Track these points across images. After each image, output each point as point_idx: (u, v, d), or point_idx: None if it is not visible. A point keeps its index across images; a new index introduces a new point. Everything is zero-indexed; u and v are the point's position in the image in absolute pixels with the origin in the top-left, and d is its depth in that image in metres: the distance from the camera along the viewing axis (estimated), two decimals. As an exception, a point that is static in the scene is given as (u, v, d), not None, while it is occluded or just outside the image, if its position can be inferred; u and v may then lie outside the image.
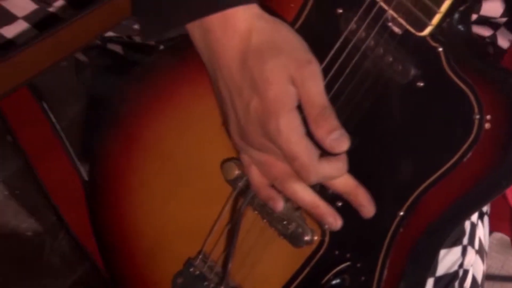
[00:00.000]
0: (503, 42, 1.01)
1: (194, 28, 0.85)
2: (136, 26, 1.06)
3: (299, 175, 0.85)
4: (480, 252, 1.06)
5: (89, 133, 1.34)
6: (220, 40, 0.83)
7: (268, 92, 0.82)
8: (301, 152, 0.83)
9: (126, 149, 1.01)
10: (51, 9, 1.02)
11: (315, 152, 0.83)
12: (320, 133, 0.82)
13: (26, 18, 1.03)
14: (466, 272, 1.03)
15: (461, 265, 1.03)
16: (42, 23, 1.03)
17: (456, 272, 1.02)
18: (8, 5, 1.02)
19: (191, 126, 0.97)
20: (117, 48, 1.17)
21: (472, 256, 1.04)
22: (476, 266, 1.05)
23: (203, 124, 0.96)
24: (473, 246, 1.04)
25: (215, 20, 0.83)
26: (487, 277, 1.19)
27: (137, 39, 1.11)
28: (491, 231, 1.11)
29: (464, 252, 1.03)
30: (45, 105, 1.11)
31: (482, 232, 1.07)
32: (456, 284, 1.02)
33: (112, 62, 1.16)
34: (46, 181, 1.14)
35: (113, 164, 1.03)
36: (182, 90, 0.97)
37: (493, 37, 1.01)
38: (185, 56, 0.95)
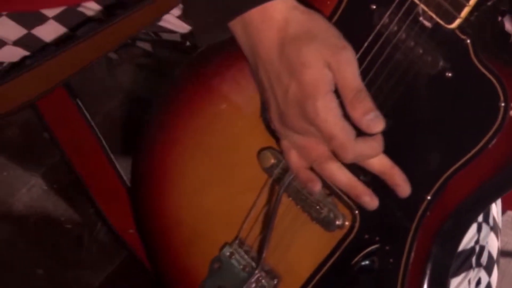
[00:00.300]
0: (511, 28, 1.03)
1: (236, 25, 0.89)
2: (160, 23, 1.09)
3: (337, 153, 0.87)
4: (494, 229, 1.08)
5: (126, 128, 1.38)
6: (259, 31, 0.87)
7: (305, 75, 0.85)
8: (338, 131, 0.85)
9: (168, 143, 1.04)
10: (81, 9, 1.04)
11: (352, 132, 0.86)
12: (356, 114, 0.85)
13: (56, 18, 1.04)
14: (482, 248, 1.05)
15: (477, 241, 1.05)
16: (75, 25, 1.05)
17: (473, 248, 1.04)
18: None
19: (230, 119, 1.00)
20: (146, 46, 1.20)
21: (487, 233, 1.06)
22: (491, 242, 1.07)
23: (241, 117, 0.99)
24: (487, 223, 1.06)
25: (254, 14, 0.87)
26: (504, 253, 1.21)
27: (164, 36, 1.14)
28: (505, 210, 1.14)
29: (479, 229, 1.05)
30: (79, 102, 1.13)
31: (496, 210, 1.09)
32: (473, 259, 1.04)
33: (142, 59, 1.19)
34: (82, 175, 1.16)
35: (156, 157, 1.06)
36: (221, 86, 1.00)
37: (501, 23, 1.03)
38: (223, 55, 0.98)
